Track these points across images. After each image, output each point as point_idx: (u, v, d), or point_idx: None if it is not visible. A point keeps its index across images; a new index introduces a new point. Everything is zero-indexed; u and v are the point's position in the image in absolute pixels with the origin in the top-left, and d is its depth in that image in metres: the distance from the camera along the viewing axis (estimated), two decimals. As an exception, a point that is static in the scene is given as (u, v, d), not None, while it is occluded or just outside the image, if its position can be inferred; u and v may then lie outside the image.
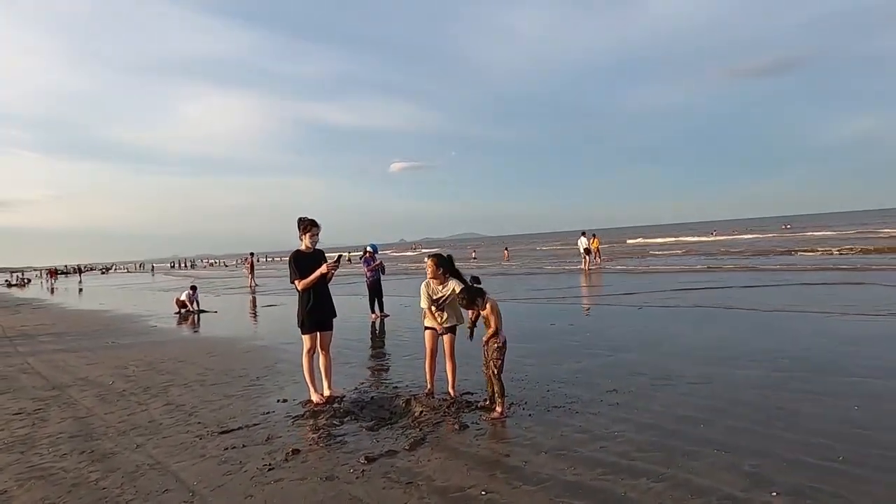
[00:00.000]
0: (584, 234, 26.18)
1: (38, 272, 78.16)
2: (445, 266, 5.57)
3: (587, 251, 25.18)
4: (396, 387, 6.24)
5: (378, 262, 13.14)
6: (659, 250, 38.70)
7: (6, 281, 58.24)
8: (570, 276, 22.01)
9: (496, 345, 5.13)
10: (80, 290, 36.67)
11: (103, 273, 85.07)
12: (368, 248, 13.27)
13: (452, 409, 5.23)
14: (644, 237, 67.02)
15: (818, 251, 26.66)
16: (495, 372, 5.10)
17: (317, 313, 5.70)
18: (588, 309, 12.48)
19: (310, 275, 5.60)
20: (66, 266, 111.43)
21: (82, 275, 70.83)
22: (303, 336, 5.75)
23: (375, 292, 12.97)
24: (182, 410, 5.82)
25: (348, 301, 15.87)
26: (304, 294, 5.69)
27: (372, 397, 5.85)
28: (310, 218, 5.76)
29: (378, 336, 10.13)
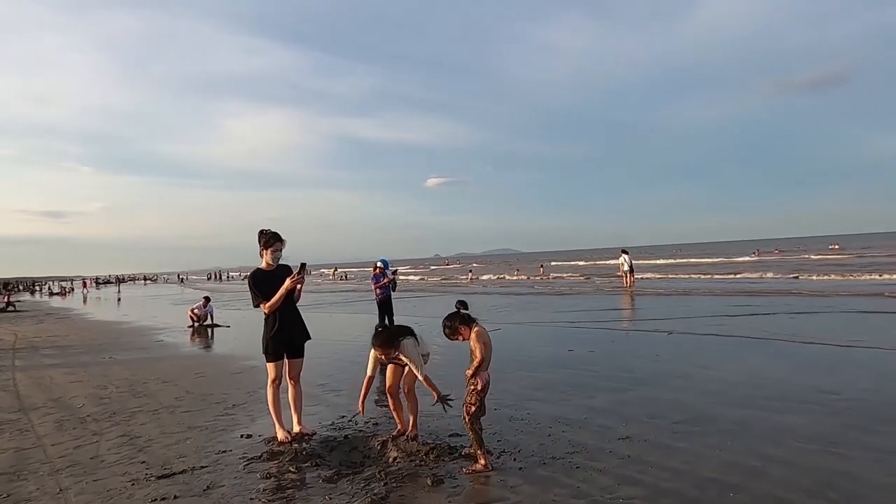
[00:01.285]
0: (625, 251, 24.91)
1: (83, 281, 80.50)
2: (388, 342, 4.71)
3: (630, 270, 24.00)
4: (378, 423, 5.46)
5: (389, 278, 12.44)
6: (696, 271, 36.99)
7: (49, 289, 59.93)
8: (603, 295, 20.86)
9: (473, 387, 4.20)
10: (119, 299, 37.15)
11: (146, 283, 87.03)
12: (379, 264, 12.58)
13: (431, 457, 4.42)
14: (683, 256, 64.74)
15: (873, 275, 24.77)
16: (466, 419, 4.19)
17: (283, 337, 4.99)
18: (614, 333, 11.46)
19: (273, 295, 4.90)
20: (109, 276, 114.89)
21: (122, 284, 72.56)
22: (267, 364, 5.05)
23: (386, 311, 12.25)
24: (134, 444, 5.16)
25: (356, 319, 15.24)
26: (270, 316, 4.99)
27: (346, 436, 5.10)
28: (271, 230, 5.07)
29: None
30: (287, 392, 5.14)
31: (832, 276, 25.57)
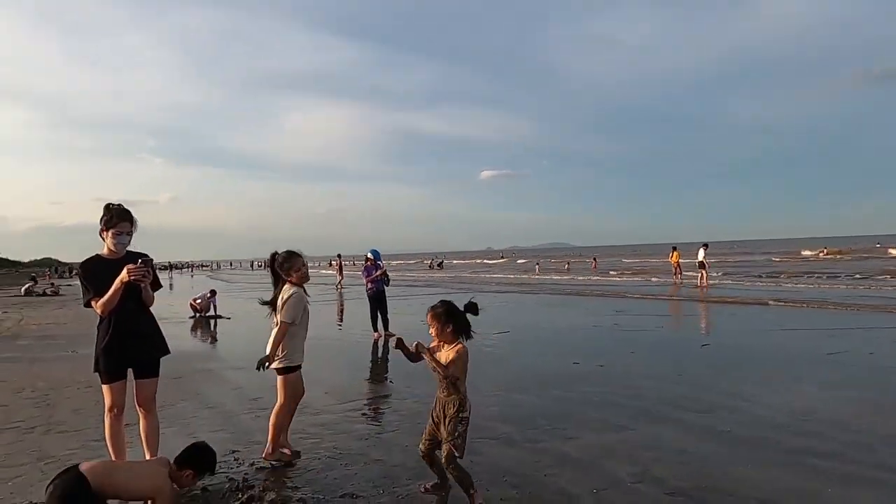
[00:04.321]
0: (705, 245, 22.46)
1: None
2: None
3: (701, 265, 21.69)
4: (257, 464, 4.08)
5: (381, 270, 11.07)
6: (759, 269, 33.93)
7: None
8: (647, 292, 18.79)
9: (465, 414, 3.32)
10: (171, 286, 37.47)
11: (204, 269, 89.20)
12: (369, 255, 11.23)
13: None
14: (748, 253, 60.43)
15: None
16: (455, 454, 3.21)
17: (119, 350, 3.65)
18: (638, 341, 9.65)
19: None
20: (169, 262, 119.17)
21: (173, 271, 74.69)
22: (102, 387, 3.73)
23: (378, 306, 10.90)
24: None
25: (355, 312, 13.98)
26: (104, 321, 3.67)
27: (206, 488, 3.73)
28: (117, 205, 3.73)
29: (374, 361, 8.10)
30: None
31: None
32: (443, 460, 3.31)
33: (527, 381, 6.69)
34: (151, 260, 3.74)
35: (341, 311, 16.45)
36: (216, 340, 11.61)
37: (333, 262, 35.51)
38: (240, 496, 3.56)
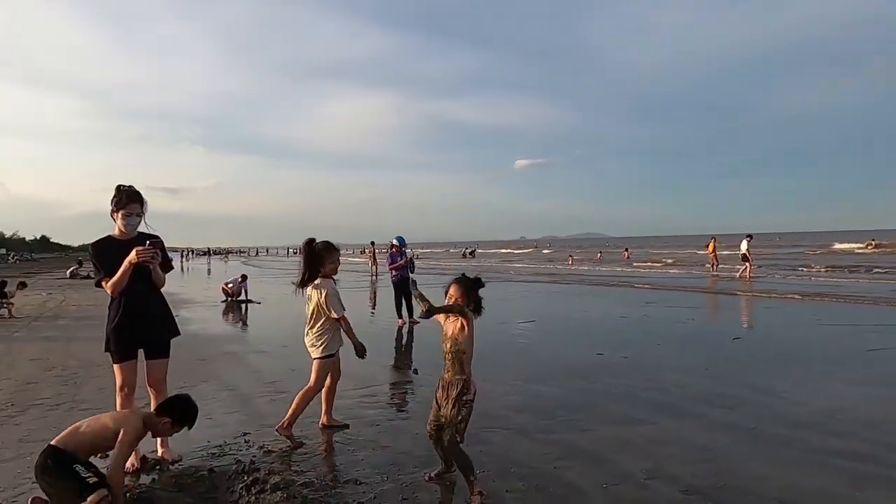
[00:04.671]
0: (749, 237, 21.69)
1: (188, 252, 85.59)
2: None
3: (744, 257, 20.96)
4: (271, 451, 4.07)
5: (408, 258, 11.03)
6: (802, 261, 32.71)
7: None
8: (680, 284, 18.30)
9: (469, 397, 3.20)
10: (209, 271, 38.43)
11: (241, 255, 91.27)
12: (394, 242, 11.20)
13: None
14: (791, 245, 58.44)
15: None
16: (457, 438, 3.18)
17: (129, 329, 3.69)
18: (667, 333, 9.38)
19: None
20: (208, 248, 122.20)
21: (212, 257, 76.53)
22: (113, 366, 3.78)
23: (403, 293, 10.88)
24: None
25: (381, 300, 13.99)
26: (114, 301, 3.71)
27: (213, 469, 3.75)
28: (128, 186, 3.75)
29: (398, 348, 8.12)
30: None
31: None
32: (445, 444, 3.25)
33: (548, 371, 6.56)
34: (160, 241, 3.75)
35: (373, 299, 16.47)
36: (244, 324, 11.80)
37: (367, 250, 35.90)
38: (245, 478, 3.55)
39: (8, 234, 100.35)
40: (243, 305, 15.08)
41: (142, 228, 3.81)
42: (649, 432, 4.40)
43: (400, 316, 10.76)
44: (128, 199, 3.68)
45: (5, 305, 12.83)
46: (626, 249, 44.41)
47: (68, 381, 6.40)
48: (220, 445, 4.19)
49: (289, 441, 4.17)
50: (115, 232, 3.74)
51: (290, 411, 4.27)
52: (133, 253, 3.53)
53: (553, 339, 9.01)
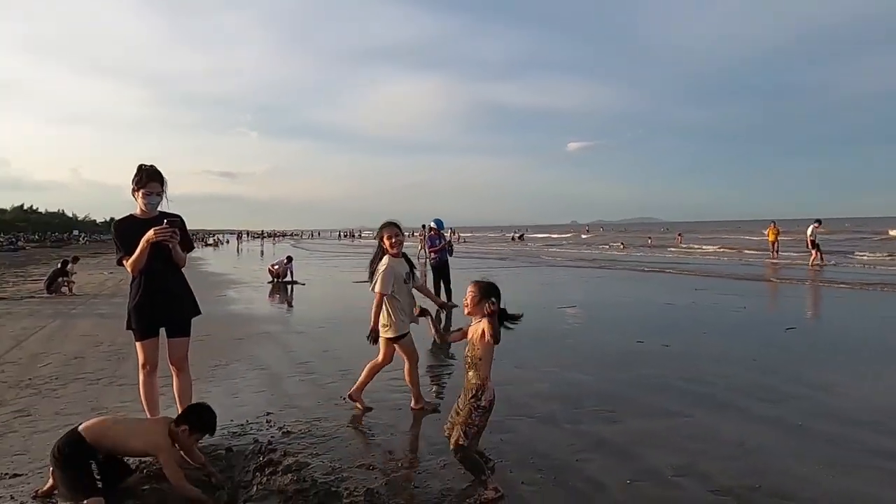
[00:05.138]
0: (818, 222, 20.44)
1: (246, 235, 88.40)
2: None
3: (813, 244, 19.64)
4: (290, 432, 4.05)
5: (446, 241, 10.91)
6: (873, 248, 30.74)
7: (205, 241, 66.39)
8: (733, 272, 17.46)
9: (480, 403, 3.07)
10: (262, 252, 39.62)
11: (294, 237, 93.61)
12: (432, 225, 11.09)
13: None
14: (861, 231, 55.07)
15: None
16: (463, 441, 3.02)
17: (150, 308, 3.72)
18: (716, 321, 8.92)
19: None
20: (262, 231, 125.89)
21: (266, 239, 78.81)
22: (135, 344, 3.83)
23: (441, 276, 10.80)
24: (8, 426, 4.27)
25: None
26: (135, 280, 3.74)
27: (230, 448, 3.76)
28: (148, 165, 3.75)
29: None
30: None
31: None
32: (451, 446, 3.10)
33: (583, 358, 6.34)
34: (180, 221, 3.75)
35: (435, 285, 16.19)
36: (286, 304, 12.00)
37: (416, 233, 36.10)
38: (260, 458, 3.55)
39: (81, 216, 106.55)
40: (288, 286, 15.39)
41: (163, 207, 3.81)
42: (683, 426, 4.14)
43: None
44: (148, 178, 3.68)
45: (66, 283, 13.50)
46: (679, 234, 43.00)
47: (112, 356, 6.62)
48: (242, 425, 4.20)
49: (357, 406, 4.52)
50: (137, 211, 3.76)
51: (360, 380, 4.59)
52: (150, 231, 3.53)
53: (592, 326, 8.73)
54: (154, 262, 3.65)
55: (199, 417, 3.28)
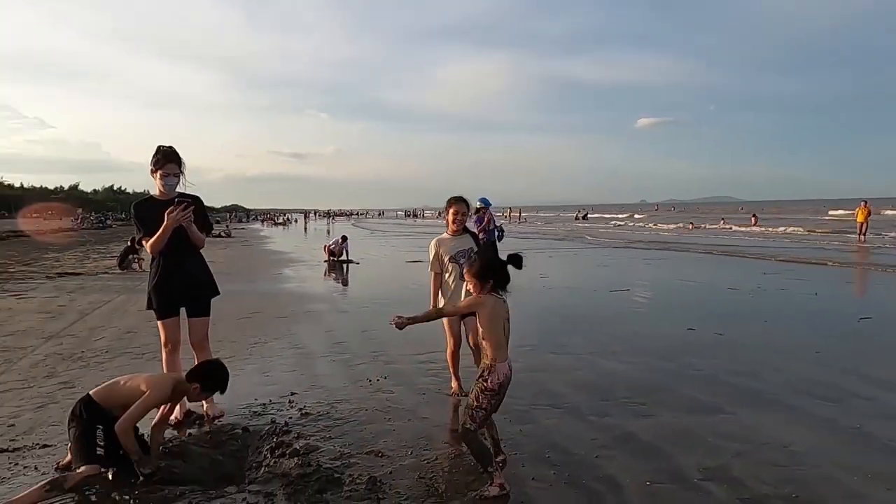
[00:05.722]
0: None
1: (314, 214, 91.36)
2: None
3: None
4: (309, 413, 4.04)
5: (488, 218, 10.64)
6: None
7: (274, 220, 68.91)
8: (811, 256, 16.24)
9: (483, 385, 2.91)
10: (328, 231, 40.73)
11: (360, 216, 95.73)
12: (479, 204, 10.84)
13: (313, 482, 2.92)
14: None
15: None
16: (469, 424, 2.90)
17: (169, 288, 3.77)
18: (781, 307, 8.28)
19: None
20: (328, 211, 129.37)
21: (332, 218, 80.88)
22: (157, 323, 3.90)
23: (489, 258, 10.58)
24: (50, 397, 4.50)
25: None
26: (155, 260, 3.80)
27: (247, 428, 3.79)
28: (166, 146, 3.78)
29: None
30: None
31: None
32: (459, 429, 2.98)
33: (626, 345, 6.03)
34: (198, 201, 3.77)
35: None
36: (339, 283, 12.18)
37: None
38: (273, 439, 3.55)
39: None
40: (343, 265, 15.65)
41: (182, 188, 3.84)
42: (722, 424, 3.82)
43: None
44: (165, 160, 3.71)
45: (136, 260, 14.27)
46: (754, 214, 40.54)
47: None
48: (265, 404, 4.24)
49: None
50: (156, 192, 3.81)
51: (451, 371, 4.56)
52: (168, 217, 3.56)
53: (643, 311, 8.31)
54: (172, 243, 3.69)
55: (210, 376, 3.34)
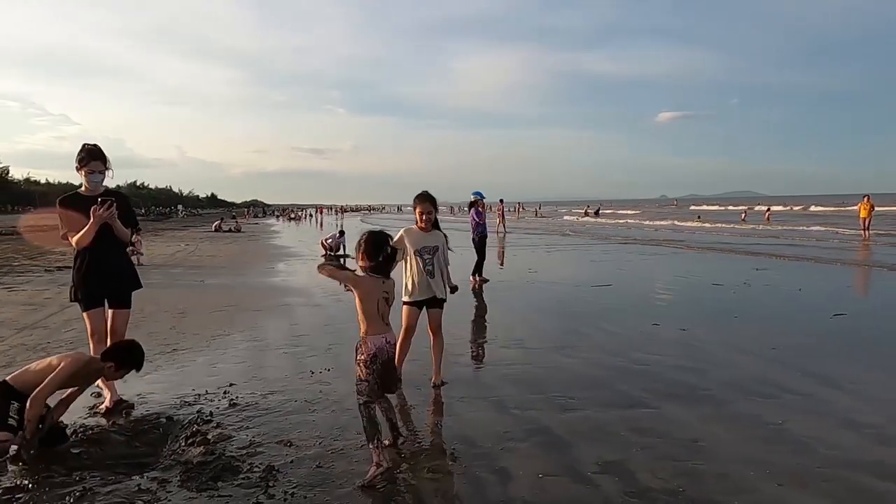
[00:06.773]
0: None
1: (327, 210, 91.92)
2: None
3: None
4: (237, 404, 4.11)
5: (482, 208, 10.69)
6: None
7: (287, 216, 69.48)
8: (810, 255, 15.92)
9: (358, 357, 3.13)
10: (338, 226, 40.98)
11: (372, 212, 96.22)
12: (474, 196, 10.88)
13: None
14: None
15: None
16: (357, 397, 3.14)
17: (95, 279, 3.87)
18: (751, 306, 8.16)
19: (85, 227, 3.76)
20: (342, 206, 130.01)
21: (339, 214, 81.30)
22: (82, 314, 4.00)
23: (478, 252, 10.60)
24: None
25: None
26: (79, 253, 3.89)
27: (170, 418, 3.87)
28: (91, 145, 3.88)
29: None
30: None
31: None
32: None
33: (584, 340, 6.02)
34: (123, 198, 3.88)
35: (501, 257, 15.84)
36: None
37: (494, 208, 35.63)
38: (192, 428, 3.63)
39: (185, 192, 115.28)
40: (341, 260, 15.74)
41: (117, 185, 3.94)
42: (642, 419, 3.80)
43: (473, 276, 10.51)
44: (90, 157, 3.82)
45: (135, 253, 14.55)
46: (768, 209, 39.93)
47: (139, 324, 7.03)
48: (199, 395, 4.32)
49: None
50: (82, 188, 3.90)
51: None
52: (93, 215, 3.67)
53: (616, 306, 8.21)
54: (97, 238, 3.79)
55: (124, 354, 3.49)
